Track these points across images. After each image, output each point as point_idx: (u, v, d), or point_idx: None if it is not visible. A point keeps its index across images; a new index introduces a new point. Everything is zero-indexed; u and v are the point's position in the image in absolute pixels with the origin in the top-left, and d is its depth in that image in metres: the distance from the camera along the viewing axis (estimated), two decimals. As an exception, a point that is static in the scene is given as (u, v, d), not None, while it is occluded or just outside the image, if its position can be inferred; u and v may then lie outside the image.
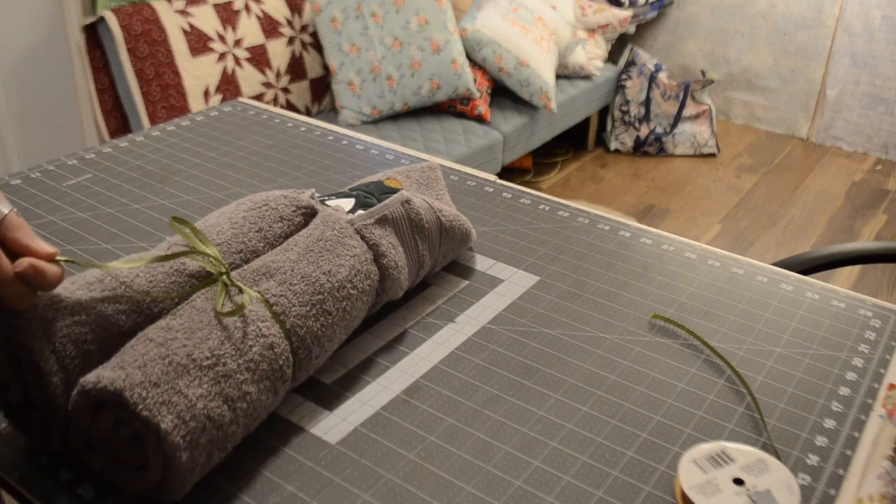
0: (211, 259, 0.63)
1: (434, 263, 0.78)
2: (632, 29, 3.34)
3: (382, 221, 0.71)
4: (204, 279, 0.63)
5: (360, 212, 0.72)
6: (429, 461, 0.59)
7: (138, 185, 0.97)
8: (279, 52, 2.34)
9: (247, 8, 2.28)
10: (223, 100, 2.21)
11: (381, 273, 0.70)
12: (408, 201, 0.74)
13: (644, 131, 3.22)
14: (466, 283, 0.80)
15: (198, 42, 2.15)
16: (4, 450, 0.59)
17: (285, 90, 2.37)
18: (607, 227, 0.91)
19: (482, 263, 0.84)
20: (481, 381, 0.67)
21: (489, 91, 2.60)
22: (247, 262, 0.66)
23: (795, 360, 0.71)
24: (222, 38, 2.21)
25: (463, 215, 0.82)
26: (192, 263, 0.63)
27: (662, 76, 3.19)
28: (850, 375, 0.69)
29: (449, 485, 0.57)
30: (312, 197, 0.73)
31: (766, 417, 0.64)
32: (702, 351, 0.72)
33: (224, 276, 0.61)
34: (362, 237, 0.69)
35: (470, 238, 0.82)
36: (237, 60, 2.23)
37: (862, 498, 0.56)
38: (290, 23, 2.38)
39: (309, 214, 0.71)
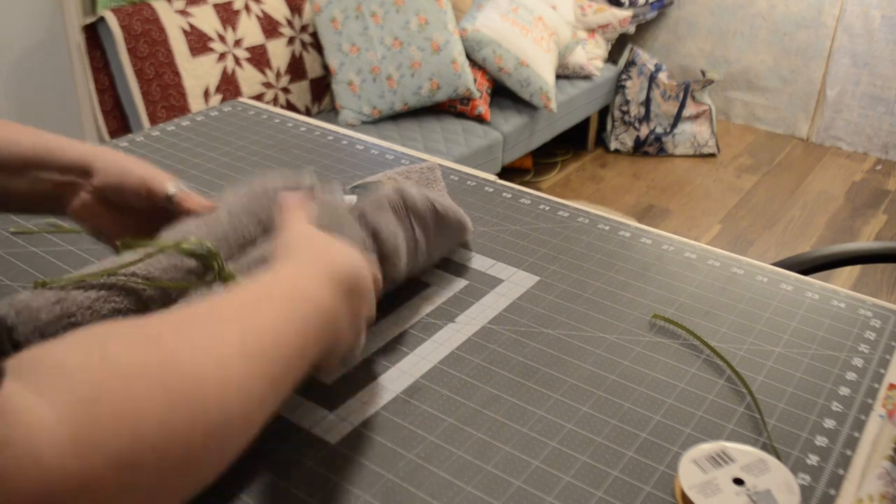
0: (203, 245, 0.62)
1: (431, 252, 0.78)
2: (632, 29, 3.33)
3: (380, 207, 0.72)
4: (202, 275, 0.63)
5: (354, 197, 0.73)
6: (429, 461, 0.59)
7: (138, 185, 0.97)
8: (279, 52, 2.34)
9: (247, 8, 2.28)
10: (223, 100, 2.21)
11: (381, 258, 0.70)
12: (403, 189, 0.75)
13: (644, 131, 3.22)
14: (466, 283, 0.80)
15: (198, 42, 2.15)
16: (4, 450, 0.59)
17: (285, 90, 2.37)
18: (607, 227, 0.91)
19: (482, 263, 0.84)
20: (481, 381, 0.67)
21: (489, 91, 2.60)
22: (246, 252, 0.67)
23: (795, 360, 0.71)
24: (222, 38, 2.21)
25: (459, 207, 0.82)
26: (190, 259, 0.63)
27: (662, 76, 3.19)
28: (850, 375, 0.69)
29: (449, 485, 0.57)
30: (310, 180, 0.73)
31: (766, 417, 0.64)
32: (702, 351, 0.72)
33: (216, 261, 0.61)
34: (361, 222, 0.69)
35: (466, 228, 0.82)
36: (237, 60, 2.23)
37: (862, 498, 0.56)
38: (290, 23, 2.38)
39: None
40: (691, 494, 0.54)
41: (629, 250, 0.87)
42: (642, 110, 3.21)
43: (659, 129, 3.23)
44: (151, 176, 0.67)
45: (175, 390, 0.36)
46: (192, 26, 2.15)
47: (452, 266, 0.83)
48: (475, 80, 2.54)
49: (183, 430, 0.35)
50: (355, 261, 0.56)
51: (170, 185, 0.68)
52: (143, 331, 0.39)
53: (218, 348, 0.40)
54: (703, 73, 3.38)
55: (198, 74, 2.15)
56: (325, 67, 2.46)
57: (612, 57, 3.35)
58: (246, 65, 2.26)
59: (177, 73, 2.11)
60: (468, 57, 2.55)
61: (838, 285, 0.83)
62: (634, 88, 3.20)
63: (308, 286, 0.50)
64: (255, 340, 0.43)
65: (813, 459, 0.60)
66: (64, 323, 0.56)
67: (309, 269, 0.52)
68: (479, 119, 2.54)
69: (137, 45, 2.05)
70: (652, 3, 3.32)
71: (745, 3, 3.36)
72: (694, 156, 3.27)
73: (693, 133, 3.23)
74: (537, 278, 0.82)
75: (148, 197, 0.67)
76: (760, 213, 2.86)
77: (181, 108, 2.12)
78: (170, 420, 0.35)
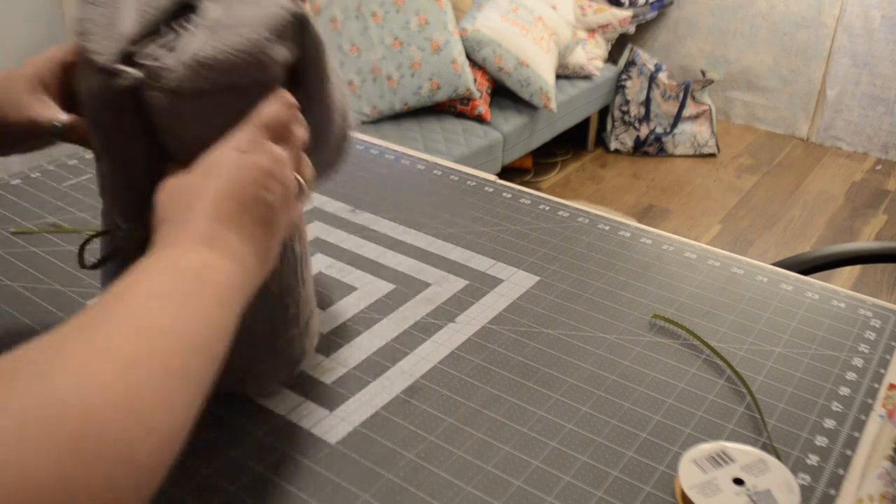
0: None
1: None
2: (632, 29, 3.33)
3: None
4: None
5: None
6: (429, 461, 0.59)
7: (138, 185, 0.97)
8: (279, 52, 2.34)
9: (247, 8, 2.28)
10: (223, 100, 2.20)
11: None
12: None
13: (644, 131, 3.22)
14: (466, 283, 0.80)
15: (198, 42, 2.15)
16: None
17: (285, 90, 2.37)
18: (607, 227, 0.91)
19: (482, 263, 0.84)
20: (481, 381, 0.67)
21: (489, 91, 2.60)
22: None
23: (795, 360, 0.71)
24: (222, 38, 2.20)
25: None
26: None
27: (662, 76, 3.19)
28: (850, 375, 0.69)
29: (449, 485, 0.57)
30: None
31: (766, 417, 0.64)
32: (702, 351, 0.72)
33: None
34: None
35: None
36: (237, 60, 2.23)
37: (862, 498, 0.56)
38: (290, 23, 2.38)
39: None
40: (691, 494, 0.54)
41: (629, 250, 0.87)
42: (642, 110, 3.21)
43: (659, 129, 3.23)
44: (33, 109, 0.60)
45: (63, 433, 0.32)
46: (192, 26, 2.15)
47: (452, 266, 0.83)
48: (475, 80, 2.54)
49: (89, 477, 0.32)
50: (236, 186, 0.47)
51: (58, 113, 0.60)
52: (14, 371, 0.34)
53: (102, 366, 0.35)
54: (703, 73, 3.38)
55: (198, 74, 2.14)
56: (325, 67, 2.46)
57: (612, 57, 3.36)
58: (246, 65, 2.25)
59: (177, 73, 2.10)
60: (468, 57, 2.55)
61: (838, 285, 0.83)
62: (634, 88, 3.20)
63: (191, 259, 0.44)
64: (146, 341, 0.38)
65: (813, 459, 0.60)
66: None
67: (188, 242, 0.45)
68: (479, 119, 2.54)
69: (137, 45, 2.05)
70: (652, 3, 3.32)
71: (745, 3, 3.36)
72: (694, 156, 3.27)
73: (693, 133, 3.23)
74: (537, 278, 0.82)
75: (30, 130, 0.60)
76: (760, 213, 2.86)
77: (181, 108, 2.11)
78: (68, 473, 0.31)
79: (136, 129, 0.52)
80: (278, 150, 0.50)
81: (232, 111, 0.50)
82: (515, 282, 0.81)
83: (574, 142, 3.30)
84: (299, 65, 0.55)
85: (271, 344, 0.62)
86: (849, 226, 2.80)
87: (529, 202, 0.96)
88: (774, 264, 0.91)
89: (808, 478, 0.58)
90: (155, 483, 0.36)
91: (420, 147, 2.34)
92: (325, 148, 0.64)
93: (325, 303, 0.77)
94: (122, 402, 0.35)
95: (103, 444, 0.33)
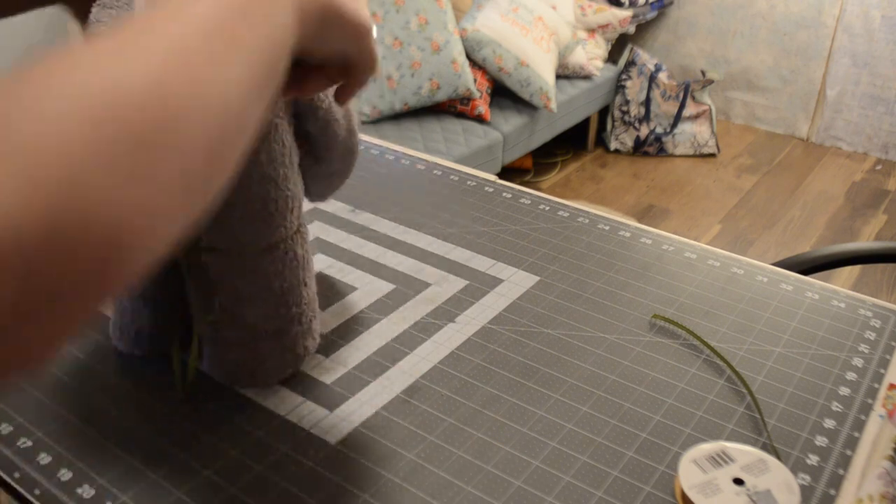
0: None
1: None
2: (632, 29, 3.33)
3: None
4: None
5: None
6: (429, 461, 0.59)
7: (138, 185, 0.97)
8: (279, 52, 2.34)
9: (247, 8, 2.28)
10: (223, 100, 2.20)
11: None
12: None
13: (644, 131, 3.22)
14: (466, 283, 0.80)
15: (198, 42, 2.15)
16: (5, 449, 0.59)
17: (285, 90, 2.37)
18: (607, 227, 0.91)
19: (482, 263, 0.84)
20: (481, 381, 0.67)
21: (489, 91, 2.60)
22: None
23: (795, 360, 0.71)
24: (222, 38, 2.20)
25: None
26: None
27: (662, 76, 3.19)
28: (850, 375, 0.69)
29: (449, 485, 0.57)
30: None
31: (766, 417, 0.64)
32: (702, 351, 0.72)
33: None
34: None
35: None
36: (237, 60, 2.23)
37: (862, 498, 0.56)
38: (290, 23, 2.38)
39: None
40: (691, 494, 0.54)
41: (629, 250, 0.87)
42: (642, 110, 3.21)
43: (659, 129, 3.23)
44: None
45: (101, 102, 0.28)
46: (192, 26, 2.15)
47: (452, 266, 0.83)
48: (475, 80, 2.54)
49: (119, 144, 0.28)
50: None
51: None
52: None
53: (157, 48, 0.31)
54: (703, 73, 3.38)
55: (198, 74, 2.14)
56: (325, 67, 2.46)
57: (612, 57, 3.35)
58: (246, 65, 2.25)
59: (177, 73, 2.10)
60: (468, 57, 2.55)
61: (838, 285, 0.83)
62: (634, 88, 3.20)
63: None
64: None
65: (813, 459, 0.60)
66: None
67: None
68: (479, 119, 2.54)
69: (137, 45, 2.05)
70: (652, 3, 3.32)
71: (745, 3, 3.36)
72: (694, 156, 3.27)
73: (693, 133, 3.23)
74: (537, 278, 0.82)
75: None
76: (760, 213, 2.86)
77: (181, 108, 2.11)
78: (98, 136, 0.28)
79: None
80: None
81: None
82: (515, 282, 0.81)
83: (574, 142, 3.30)
84: None
85: (278, 341, 0.64)
86: (849, 226, 2.80)
87: (529, 202, 0.96)
88: (774, 264, 0.91)
89: (808, 478, 0.58)
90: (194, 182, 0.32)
91: (420, 147, 2.34)
92: (329, 158, 0.68)
93: (325, 303, 0.77)
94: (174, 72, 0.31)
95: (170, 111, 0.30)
